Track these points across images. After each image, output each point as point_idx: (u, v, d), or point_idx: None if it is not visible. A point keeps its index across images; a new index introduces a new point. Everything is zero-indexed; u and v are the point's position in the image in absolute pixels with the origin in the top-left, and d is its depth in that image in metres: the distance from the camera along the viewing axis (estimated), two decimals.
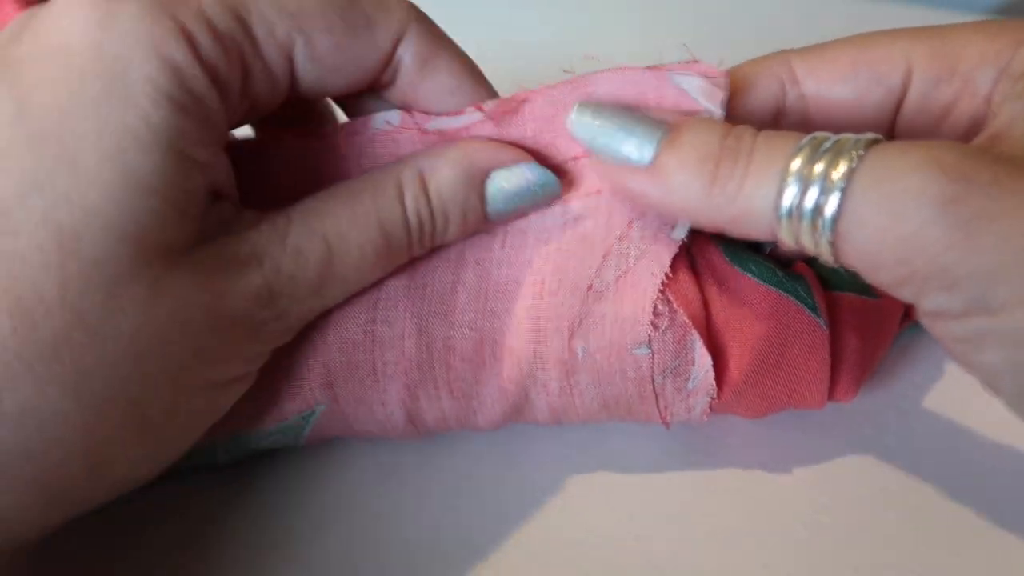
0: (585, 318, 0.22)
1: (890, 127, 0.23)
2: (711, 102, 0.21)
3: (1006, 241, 0.15)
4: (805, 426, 0.26)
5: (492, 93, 0.24)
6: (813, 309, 0.23)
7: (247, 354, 0.21)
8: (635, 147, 0.20)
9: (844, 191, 0.17)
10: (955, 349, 0.18)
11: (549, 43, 0.40)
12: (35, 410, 0.17)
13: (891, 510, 0.24)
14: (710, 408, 0.23)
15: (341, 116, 0.25)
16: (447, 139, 0.23)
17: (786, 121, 0.23)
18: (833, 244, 0.18)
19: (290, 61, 0.21)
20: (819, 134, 0.19)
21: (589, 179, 0.23)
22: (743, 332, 0.23)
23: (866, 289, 0.24)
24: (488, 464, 0.26)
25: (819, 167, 0.18)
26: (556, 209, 0.23)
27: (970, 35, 0.21)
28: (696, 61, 0.22)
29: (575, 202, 0.23)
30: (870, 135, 0.18)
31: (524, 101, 0.23)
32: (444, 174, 0.22)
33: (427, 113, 0.23)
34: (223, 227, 0.20)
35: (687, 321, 0.22)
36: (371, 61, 0.22)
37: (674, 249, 0.22)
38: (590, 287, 0.22)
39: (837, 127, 0.20)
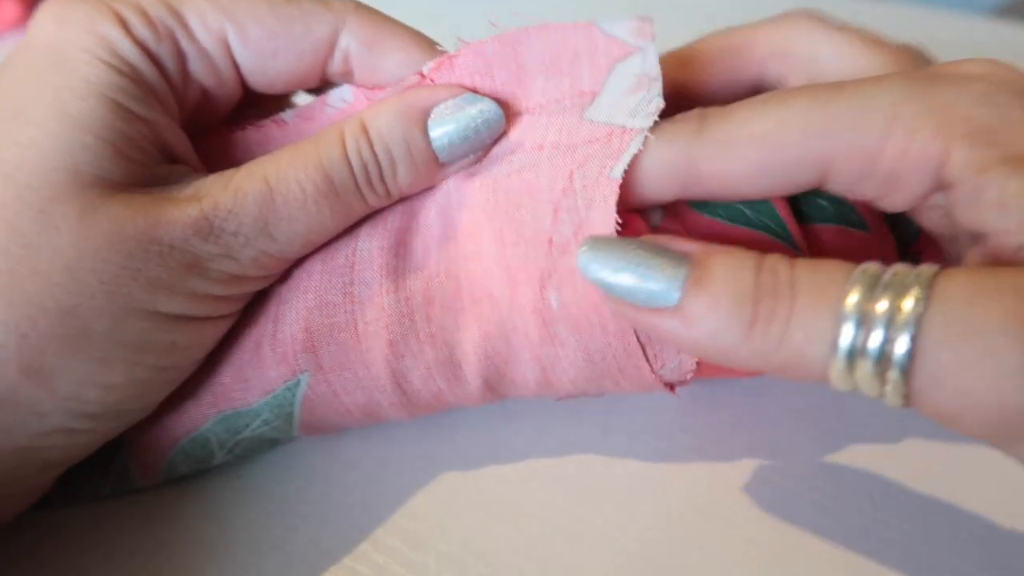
0: (553, 272, 0.22)
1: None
2: (643, 39, 0.21)
3: None
4: (805, 426, 0.26)
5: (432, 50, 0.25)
6: (790, 242, 0.22)
7: (197, 290, 0.21)
8: (658, 288, 0.19)
9: (915, 335, 0.16)
10: None
11: None
12: None
13: (891, 510, 0.24)
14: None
15: None
16: None
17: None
18: (905, 392, 0.17)
19: (226, 47, 0.23)
20: (870, 266, 0.17)
21: (530, 134, 0.23)
22: None
23: (853, 221, 0.23)
24: (487, 463, 0.26)
25: (882, 304, 0.16)
26: (499, 160, 0.23)
27: (889, 123, 0.19)
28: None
29: (518, 154, 0.23)
30: (929, 268, 0.17)
31: (455, 56, 0.23)
32: (383, 116, 0.23)
33: (378, 88, 0.24)
34: (175, 180, 0.22)
35: None
36: (308, 48, 0.23)
37: (615, 191, 0.21)
38: (551, 241, 0.22)
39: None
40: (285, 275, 0.24)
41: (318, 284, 0.23)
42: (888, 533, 0.23)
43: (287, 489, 0.26)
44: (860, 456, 0.25)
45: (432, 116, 0.23)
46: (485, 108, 0.23)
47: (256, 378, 0.24)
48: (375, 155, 0.22)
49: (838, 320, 0.17)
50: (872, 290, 0.17)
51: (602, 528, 0.24)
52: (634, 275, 0.19)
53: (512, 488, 0.25)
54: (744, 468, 0.25)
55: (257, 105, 0.26)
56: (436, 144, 0.23)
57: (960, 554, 0.23)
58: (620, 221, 0.21)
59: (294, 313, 0.23)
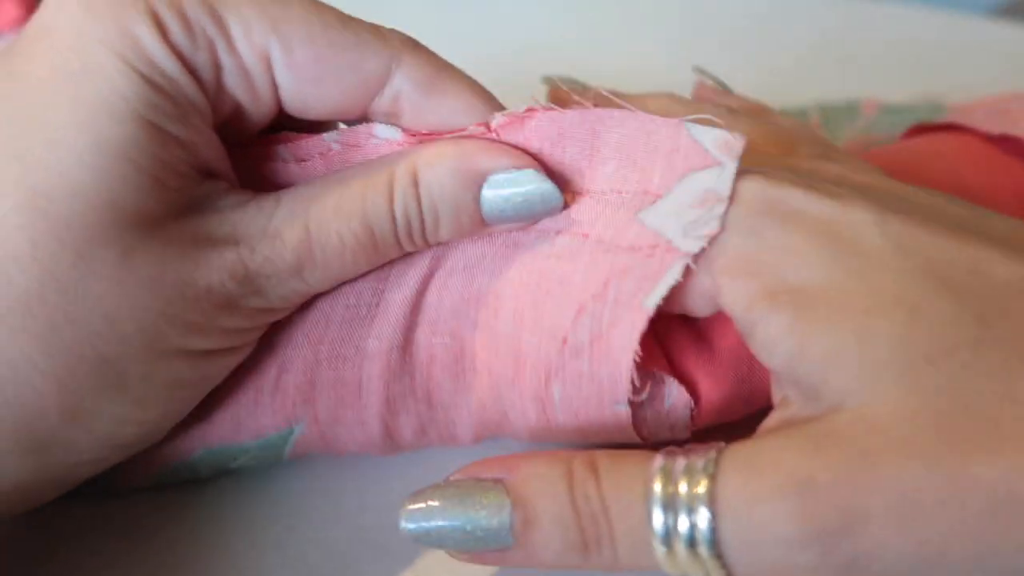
0: (561, 369, 0.21)
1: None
2: (727, 155, 0.20)
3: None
4: None
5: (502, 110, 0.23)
6: None
7: (226, 326, 0.21)
8: (489, 537, 0.19)
9: (712, 516, 0.17)
10: None
11: (549, 43, 0.40)
12: (7, 358, 0.19)
13: None
14: (692, 423, 0.23)
15: None
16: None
17: None
18: (724, 568, 0.18)
19: (268, 64, 0.21)
20: (663, 461, 0.18)
21: (581, 219, 0.22)
22: (707, 353, 0.23)
23: None
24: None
25: (681, 490, 0.18)
26: (545, 239, 0.22)
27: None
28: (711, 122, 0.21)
29: (563, 236, 0.22)
30: (712, 453, 0.18)
31: (528, 118, 0.22)
32: (437, 171, 0.21)
33: (430, 133, 0.23)
34: (210, 204, 0.21)
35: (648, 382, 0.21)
36: (357, 82, 0.22)
37: (645, 321, 0.20)
38: (565, 340, 0.21)
39: None
40: (299, 314, 0.23)
41: (335, 336, 0.23)
42: None
43: (287, 490, 0.26)
44: None
45: (490, 181, 0.21)
46: (547, 192, 0.21)
47: (249, 422, 0.23)
48: (421, 212, 0.22)
49: (649, 522, 0.18)
50: (668, 481, 0.18)
51: None
52: (459, 525, 0.19)
53: None
54: None
55: (290, 126, 0.24)
56: (486, 208, 0.22)
57: None
58: (640, 353, 0.20)
59: (302, 361, 0.23)
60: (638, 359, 0.20)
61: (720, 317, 0.22)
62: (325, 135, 0.23)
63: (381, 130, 0.23)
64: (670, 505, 0.18)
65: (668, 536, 0.18)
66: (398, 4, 0.44)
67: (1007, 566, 0.16)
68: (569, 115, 0.22)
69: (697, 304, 0.21)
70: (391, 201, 0.21)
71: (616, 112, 0.21)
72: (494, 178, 0.21)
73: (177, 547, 0.24)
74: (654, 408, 0.22)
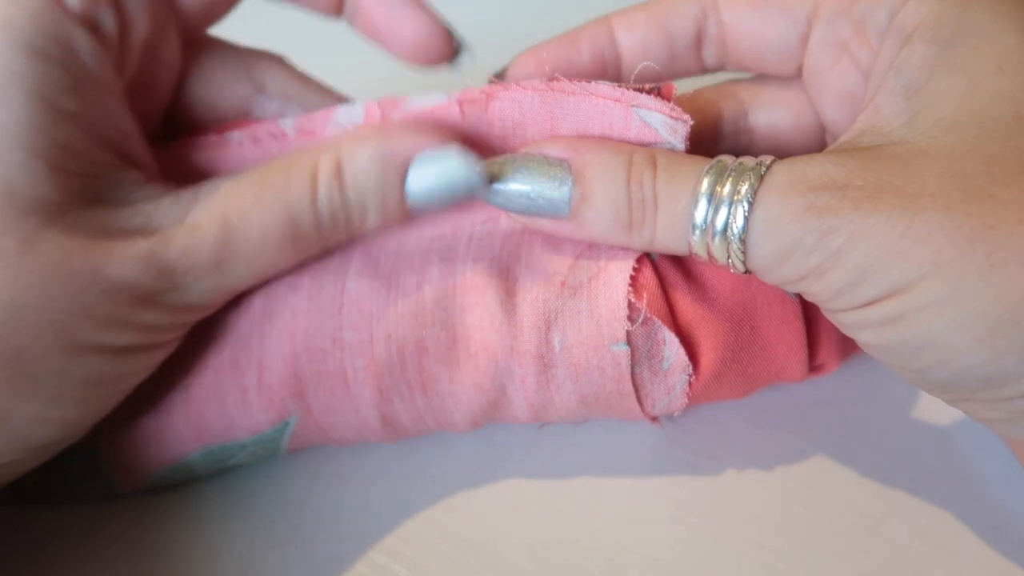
0: (561, 312, 0.22)
1: (798, 61, 0.24)
2: (674, 137, 0.22)
3: (865, 257, 0.19)
4: (805, 427, 0.26)
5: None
6: None
7: (145, 322, 0.20)
8: (549, 205, 0.21)
9: (747, 222, 0.20)
10: (844, 330, 0.21)
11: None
12: None
13: (891, 510, 0.24)
14: (690, 389, 0.23)
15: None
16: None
17: (706, 46, 0.25)
18: (746, 262, 0.20)
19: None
20: (720, 160, 0.21)
21: None
22: (710, 313, 0.23)
23: None
24: (487, 464, 0.26)
25: (725, 190, 0.20)
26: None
27: None
28: (668, 89, 0.22)
29: None
30: (765, 160, 0.20)
31: (491, 97, 0.23)
32: (362, 161, 0.21)
33: (394, 101, 0.23)
34: (123, 195, 0.20)
35: (648, 314, 0.22)
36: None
37: (638, 252, 0.23)
38: (563, 283, 0.23)
39: (747, 55, 0.24)
40: (266, 310, 0.23)
41: (305, 327, 0.23)
42: (888, 533, 0.23)
43: (287, 489, 0.26)
44: (860, 457, 0.25)
45: (413, 164, 0.21)
46: (469, 172, 0.21)
47: (242, 419, 0.23)
48: (345, 202, 0.21)
49: (691, 210, 0.20)
50: (720, 179, 0.20)
51: (602, 529, 0.24)
52: (529, 197, 0.21)
53: (512, 488, 0.25)
54: (743, 470, 0.25)
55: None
56: (411, 197, 0.21)
57: (961, 554, 0.23)
58: (633, 278, 0.22)
59: (280, 358, 0.23)
60: (633, 286, 0.22)
61: (719, 285, 0.23)
62: (280, 120, 0.24)
63: (341, 115, 0.23)
64: (714, 199, 0.20)
65: (705, 226, 0.20)
66: None
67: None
68: (529, 97, 0.23)
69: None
70: (315, 192, 0.21)
71: (573, 94, 0.23)
72: (419, 161, 0.21)
73: (176, 547, 0.24)
74: (652, 367, 0.23)
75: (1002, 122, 0.19)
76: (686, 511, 0.24)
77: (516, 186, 0.21)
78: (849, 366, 0.27)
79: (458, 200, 0.22)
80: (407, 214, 0.22)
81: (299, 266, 0.23)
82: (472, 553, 0.24)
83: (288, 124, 0.24)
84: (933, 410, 0.26)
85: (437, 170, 0.21)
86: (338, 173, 0.21)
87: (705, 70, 0.26)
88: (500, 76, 0.24)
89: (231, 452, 0.24)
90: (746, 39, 0.24)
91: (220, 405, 0.23)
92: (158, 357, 0.22)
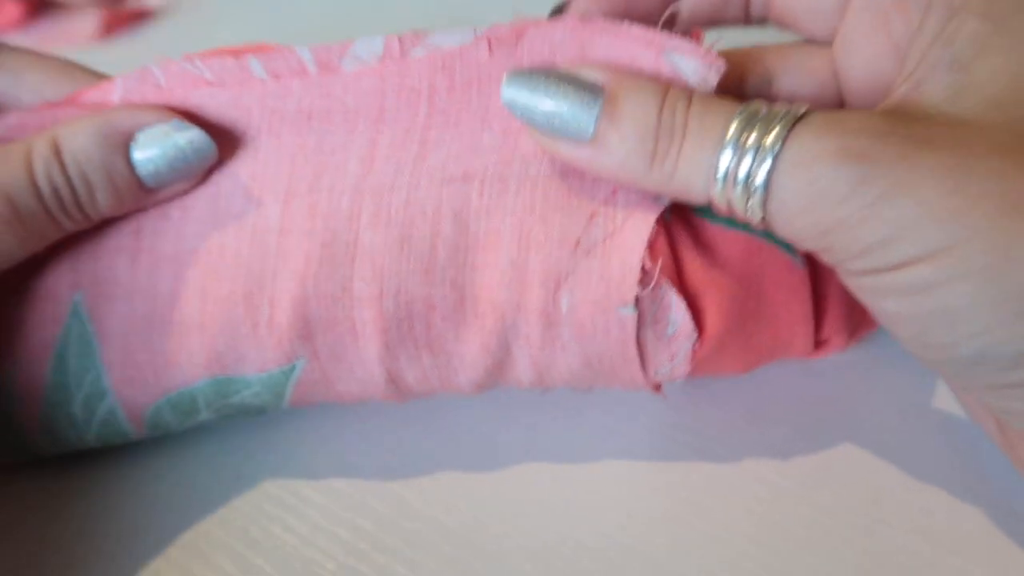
0: (572, 272, 0.22)
1: (835, 24, 0.23)
2: (704, 88, 0.21)
3: (904, 212, 0.17)
4: (805, 426, 0.26)
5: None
6: (787, 248, 0.23)
7: None
8: (574, 121, 0.21)
9: (774, 163, 0.19)
10: (863, 298, 0.20)
11: None
12: None
13: (891, 510, 0.24)
14: (693, 355, 0.23)
15: None
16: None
17: (753, 1, 0.24)
18: (764, 210, 0.19)
19: None
20: (753, 103, 0.20)
21: None
22: (718, 280, 0.23)
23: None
24: (487, 463, 0.26)
25: (753, 138, 0.19)
26: (541, 160, 0.23)
27: None
28: (697, 34, 0.22)
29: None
30: (800, 107, 0.19)
31: (521, 35, 0.23)
32: (79, 139, 0.21)
33: (416, 35, 0.23)
34: None
35: (658, 273, 0.22)
36: None
37: (657, 212, 0.22)
38: (577, 243, 0.22)
39: (788, 12, 0.24)
40: (280, 250, 0.23)
41: (316, 272, 0.23)
42: (888, 533, 0.23)
43: (287, 489, 0.26)
44: (860, 456, 0.25)
45: (137, 140, 0.22)
46: (195, 138, 0.22)
47: (252, 355, 0.23)
48: (68, 180, 0.21)
49: (717, 154, 0.19)
50: (749, 124, 0.19)
51: (602, 528, 0.24)
52: (554, 108, 0.21)
53: (512, 488, 0.25)
54: (743, 468, 0.25)
55: None
56: (141, 170, 0.22)
57: (961, 554, 0.23)
58: (651, 242, 0.22)
59: (290, 299, 0.23)
60: (649, 250, 0.21)
61: (728, 251, 0.23)
62: (297, 49, 0.24)
63: (362, 47, 0.23)
64: (741, 141, 0.19)
65: (728, 169, 0.19)
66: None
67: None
68: (560, 34, 0.22)
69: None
70: (31, 172, 0.21)
71: (605, 28, 0.22)
72: (142, 136, 0.22)
73: (176, 548, 0.24)
74: (656, 332, 0.22)
75: None
76: (685, 509, 0.24)
77: (544, 99, 0.21)
78: (850, 364, 0.27)
79: (194, 172, 0.23)
80: (142, 189, 0.22)
81: (312, 210, 0.23)
82: (472, 553, 0.24)
83: (306, 55, 0.24)
84: (940, 408, 0.26)
85: (162, 142, 0.22)
86: (56, 151, 0.21)
87: (750, 22, 0.25)
88: (560, 10, 0.24)
89: (237, 387, 0.24)
90: None
91: (232, 335, 0.23)
92: None
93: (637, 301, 0.22)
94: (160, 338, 0.23)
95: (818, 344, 0.25)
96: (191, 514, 0.25)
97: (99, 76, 0.25)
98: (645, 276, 0.22)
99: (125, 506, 0.25)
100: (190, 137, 0.22)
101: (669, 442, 0.26)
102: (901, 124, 0.18)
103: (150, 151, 0.22)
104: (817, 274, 0.24)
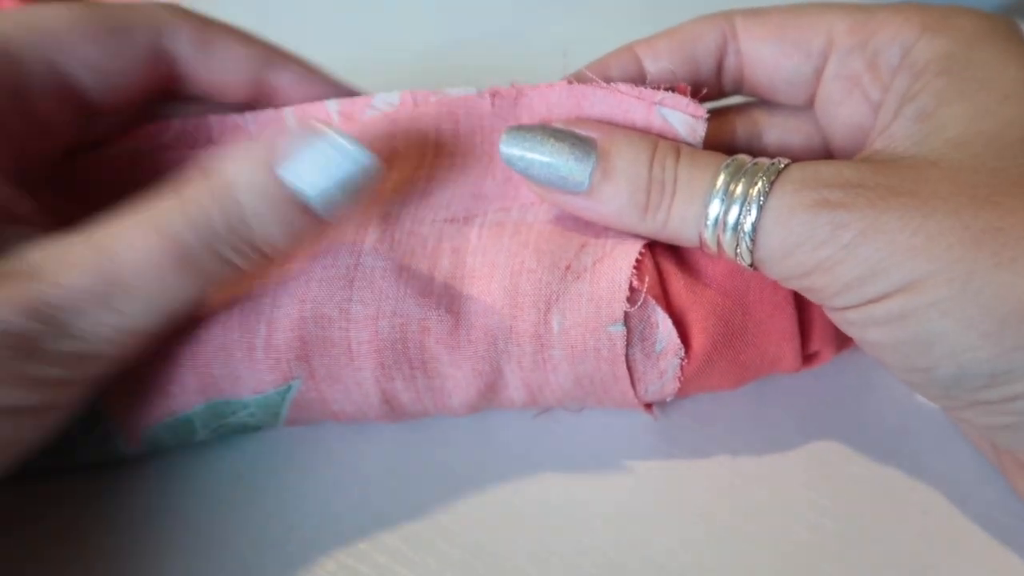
0: (562, 295, 0.23)
1: (812, 92, 0.25)
2: (693, 137, 0.23)
3: (876, 252, 0.19)
4: (806, 426, 0.26)
5: (280, 54, 0.27)
6: None
7: (32, 375, 0.19)
8: (570, 174, 0.22)
9: (760, 212, 0.20)
10: (849, 331, 0.22)
11: (533, 34, 0.40)
12: None
13: (891, 510, 0.24)
14: (681, 372, 0.23)
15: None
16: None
17: (725, 74, 0.26)
18: (753, 256, 0.21)
19: (60, 73, 0.24)
20: (739, 157, 0.22)
21: None
22: (703, 297, 0.23)
23: None
24: (487, 464, 0.26)
25: (739, 188, 0.21)
26: (538, 207, 0.25)
27: (891, 15, 0.23)
28: (683, 89, 0.23)
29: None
30: (782, 161, 0.21)
31: (521, 93, 0.25)
32: (238, 169, 0.20)
33: (427, 93, 0.25)
34: (7, 248, 0.19)
35: (645, 291, 0.23)
36: (138, 58, 0.25)
37: (645, 240, 0.23)
38: (568, 267, 0.23)
39: (762, 84, 0.25)
40: (281, 276, 0.24)
41: (316, 295, 0.23)
42: (888, 533, 0.23)
43: (288, 489, 0.26)
44: (860, 456, 0.25)
45: (290, 165, 0.20)
46: (359, 157, 0.20)
47: (248, 377, 0.24)
48: (227, 216, 0.20)
49: (706, 204, 0.21)
50: (735, 176, 0.21)
51: (602, 529, 0.24)
52: (551, 164, 0.22)
53: (512, 488, 0.25)
54: (744, 468, 0.25)
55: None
56: (311, 198, 0.20)
57: (962, 554, 0.23)
58: (639, 259, 0.23)
59: (288, 320, 0.23)
60: (637, 269, 0.23)
61: (713, 271, 0.24)
62: (326, 102, 0.26)
63: (380, 100, 0.26)
64: (729, 193, 0.21)
65: (718, 217, 0.21)
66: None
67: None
68: (557, 92, 0.24)
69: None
70: (187, 209, 0.20)
71: (599, 89, 0.24)
72: (297, 160, 0.20)
73: (175, 549, 0.24)
74: (645, 349, 0.23)
75: (1007, 143, 0.20)
76: (685, 510, 0.24)
77: (541, 155, 0.22)
78: (850, 364, 0.27)
79: (355, 184, 0.21)
80: (315, 218, 0.21)
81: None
82: (473, 553, 0.24)
83: (333, 107, 0.26)
84: (935, 408, 0.26)
85: (310, 158, 0.20)
86: (211, 186, 0.20)
87: (724, 94, 0.26)
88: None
89: (233, 408, 0.24)
90: (762, 69, 0.25)
91: (227, 360, 0.23)
92: (55, 418, 0.20)
93: (626, 319, 0.22)
94: (152, 366, 0.24)
95: (807, 358, 0.25)
96: (191, 514, 0.25)
97: (291, 60, 0.27)
98: (633, 294, 0.23)
99: (125, 506, 0.25)
100: (353, 157, 0.20)
101: (669, 442, 0.26)
102: (873, 173, 0.20)
103: (305, 172, 0.20)
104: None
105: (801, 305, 0.24)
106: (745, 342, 0.24)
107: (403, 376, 0.24)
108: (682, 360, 0.23)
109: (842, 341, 0.25)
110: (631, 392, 0.24)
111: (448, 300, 0.23)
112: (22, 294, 0.18)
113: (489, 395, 0.24)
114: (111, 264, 0.19)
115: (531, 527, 0.24)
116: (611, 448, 0.26)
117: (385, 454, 0.26)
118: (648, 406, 0.25)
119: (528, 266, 0.23)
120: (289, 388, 0.24)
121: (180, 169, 0.23)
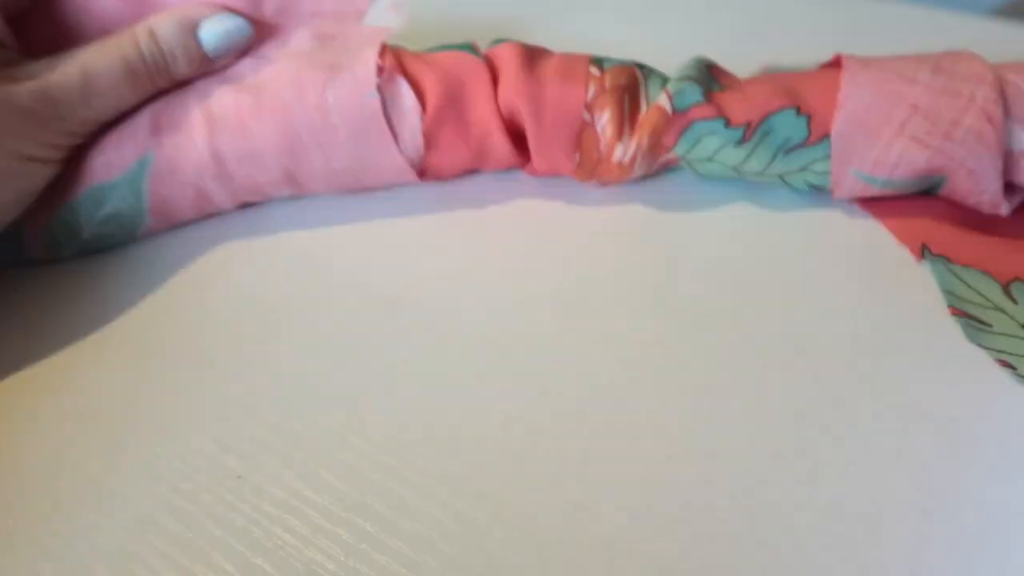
0: (333, 80, 0.32)
1: None
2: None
3: None
4: (806, 426, 0.26)
5: None
6: (478, 55, 0.33)
7: (43, 139, 0.30)
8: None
9: None
10: None
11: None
12: None
13: (891, 510, 0.24)
14: (422, 124, 0.32)
15: None
16: None
17: None
18: None
19: None
20: None
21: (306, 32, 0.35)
22: (431, 70, 0.32)
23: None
24: (487, 464, 0.26)
25: None
26: (298, 35, 0.34)
27: None
28: None
29: (308, 38, 0.34)
30: None
31: None
32: (166, 25, 0.32)
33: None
34: (8, 64, 0.31)
35: (391, 71, 0.32)
36: None
37: (381, 36, 0.33)
38: (331, 64, 0.32)
39: None
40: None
41: (168, 97, 0.33)
42: (887, 534, 0.23)
43: (288, 490, 0.26)
44: (860, 456, 0.25)
45: (203, 26, 0.32)
46: (242, 26, 0.33)
47: (116, 157, 0.32)
48: (161, 52, 0.32)
49: None
50: None
51: (602, 529, 0.24)
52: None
53: (513, 488, 0.25)
54: (744, 467, 0.25)
55: None
56: (205, 47, 0.33)
57: (960, 554, 0.23)
58: (381, 49, 0.32)
59: (149, 110, 0.32)
60: (380, 56, 0.32)
61: (444, 57, 0.33)
62: None
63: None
64: None
65: None
66: None
67: None
68: None
69: None
70: (138, 47, 0.32)
71: None
72: (206, 24, 0.33)
73: (177, 548, 0.24)
74: (396, 110, 0.32)
75: None
76: (687, 510, 0.24)
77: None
78: (850, 362, 0.27)
79: (240, 47, 0.33)
80: (208, 60, 0.33)
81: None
82: (473, 553, 0.24)
83: None
84: (935, 408, 0.26)
85: (219, 26, 0.33)
86: (152, 35, 0.32)
87: None
88: None
89: (106, 194, 0.32)
90: None
91: (101, 148, 0.32)
92: (49, 171, 0.31)
93: (379, 89, 0.31)
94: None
95: (527, 163, 0.34)
96: (191, 514, 0.25)
97: None
98: (381, 72, 0.32)
99: (125, 506, 0.25)
100: (240, 25, 0.33)
101: (671, 444, 0.26)
102: None
103: (212, 34, 0.32)
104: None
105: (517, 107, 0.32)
106: (464, 108, 0.32)
107: (230, 136, 0.32)
108: (421, 115, 0.32)
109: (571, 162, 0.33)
110: (395, 147, 0.32)
111: (255, 88, 0.32)
112: (34, 87, 0.30)
113: (295, 158, 0.32)
114: (89, 75, 0.31)
115: (531, 527, 0.24)
116: (611, 450, 0.26)
117: (386, 454, 0.26)
118: (421, 173, 0.34)
119: (302, 59, 0.32)
120: (147, 159, 0.32)
121: (119, 16, 0.34)
